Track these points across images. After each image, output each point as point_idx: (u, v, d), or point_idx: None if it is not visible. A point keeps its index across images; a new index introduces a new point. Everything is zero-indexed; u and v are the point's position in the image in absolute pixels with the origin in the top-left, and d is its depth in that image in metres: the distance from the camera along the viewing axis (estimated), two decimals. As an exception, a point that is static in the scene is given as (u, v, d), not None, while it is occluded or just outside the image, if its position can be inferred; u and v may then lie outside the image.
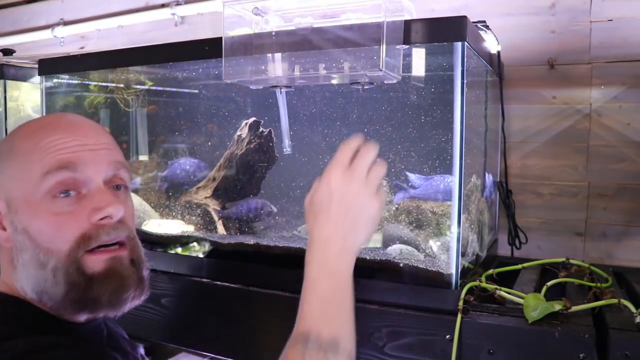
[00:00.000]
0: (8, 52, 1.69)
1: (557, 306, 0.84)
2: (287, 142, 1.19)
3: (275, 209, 1.27)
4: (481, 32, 1.11)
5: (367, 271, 0.98)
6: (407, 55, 0.95)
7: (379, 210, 0.76)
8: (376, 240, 1.13)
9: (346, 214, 0.73)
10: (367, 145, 0.77)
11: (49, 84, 1.41)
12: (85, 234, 0.67)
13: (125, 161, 0.76)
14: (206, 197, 1.29)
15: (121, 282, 0.68)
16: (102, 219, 0.68)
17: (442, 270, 0.92)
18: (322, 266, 0.72)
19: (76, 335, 0.70)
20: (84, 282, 0.66)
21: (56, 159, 0.67)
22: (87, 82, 1.48)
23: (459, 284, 0.90)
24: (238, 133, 1.27)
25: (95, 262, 0.67)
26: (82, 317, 0.71)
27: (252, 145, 1.24)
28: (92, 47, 2.09)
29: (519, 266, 1.13)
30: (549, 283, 0.97)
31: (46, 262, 0.66)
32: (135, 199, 1.31)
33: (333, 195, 0.73)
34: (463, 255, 0.96)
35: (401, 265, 0.97)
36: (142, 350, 0.87)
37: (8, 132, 1.46)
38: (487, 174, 1.25)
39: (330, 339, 0.67)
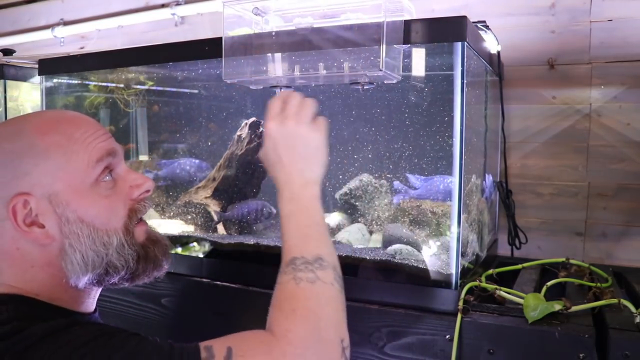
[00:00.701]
0: (8, 52, 1.69)
1: (557, 306, 0.84)
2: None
3: (274, 210, 1.27)
4: (481, 32, 1.11)
5: (367, 271, 0.98)
6: (407, 55, 0.95)
7: (322, 137, 0.83)
8: (376, 240, 1.13)
9: (293, 152, 0.81)
10: (289, 92, 0.85)
11: (49, 84, 1.41)
12: (132, 209, 0.76)
13: None
14: (206, 197, 1.29)
15: (164, 242, 0.81)
16: (141, 194, 0.77)
17: (442, 270, 0.92)
18: (291, 202, 0.80)
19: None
20: (143, 249, 0.77)
21: (102, 147, 0.74)
22: (87, 82, 1.48)
23: (459, 284, 0.90)
24: (238, 133, 1.27)
25: (140, 233, 0.77)
26: (147, 279, 0.78)
27: (252, 145, 1.24)
28: (92, 47, 2.09)
29: (519, 266, 1.13)
30: (549, 283, 0.97)
31: (109, 241, 0.73)
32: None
33: (276, 142, 0.82)
34: (463, 255, 0.96)
35: (401, 265, 0.97)
36: None
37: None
38: (487, 174, 1.25)
39: (314, 257, 0.75)
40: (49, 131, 0.72)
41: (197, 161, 1.42)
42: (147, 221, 0.82)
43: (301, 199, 0.80)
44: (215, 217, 1.27)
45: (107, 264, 0.73)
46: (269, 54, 0.99)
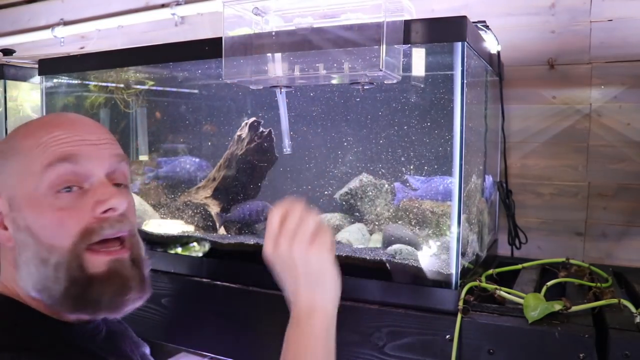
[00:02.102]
0: (8, 52, 1.68)
1: (557, 306, 0.84)
2: (287, 142, 1.19)
3: None
4: (481, 32, 1.11)
5: (367, 271, 0.98)
6: (407, 55, 0.95)
7: (326, 258, 0.74)
8: (376, 240, 1.13)
9: (294, 277, 0.74)
10: (290, 205, 0.75)
11: (49, 84, 1.41)
12: (88, 227, 0.66)
13: (126, 156, 0.76)
14: (206, 197, 1.29)
15: (123, 284, 0.67)
16: (105, 211, 0.67)
17: (442, 270, 0.92)
18: (294, 328, 0.74)
19: (67, 339, 0.69)
20: (85, 280, 0.66)
21: (57, 151, 0.67)
22: (87, 82, 1.48)
23: (459, 284, 0.90)
24: (238, 133, 1.27)
25: (97, 263, 0.66)
26: (82, 317, 0.70)
27: (252, 145, 1.24)
28: (92, 47, 2.09)
29: (519, 266, 1.13)
30: (549, 283, 0.97)
31: (48, 258, 0.66)
32: (135, 199, 1.30)
33: (276, 266, 0.75)
34: (463, 255, 0.96)
35: (401, 265, 0.97)
36: (147, 350, 0.86)
37: (8, 132, 1.47)
38: (487, 174, 1.25)
39: None
40: (26, 134, 0.71)
41: (196, 160, 1.42)
42: (141, 250, 0.72)
43: (306, 328, 0.73)
44: (216, 218, 1.27)
45: (44, 284, 0.66)
46: (269, 54, 0.99)
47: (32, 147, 0.68)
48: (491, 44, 1.18)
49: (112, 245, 0.69)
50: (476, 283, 0.93)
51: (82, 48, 2.13)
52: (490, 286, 0.93)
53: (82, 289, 0.66)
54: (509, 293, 0.91)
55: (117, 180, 0.73)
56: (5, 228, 0.69)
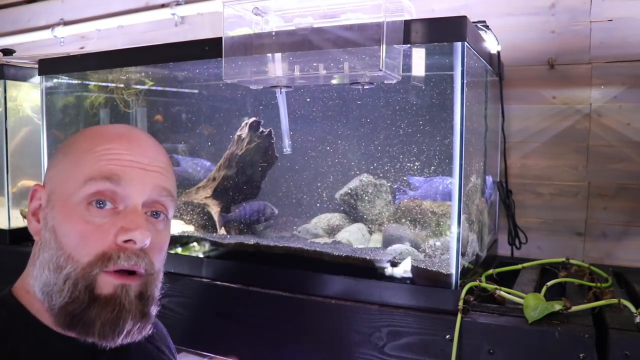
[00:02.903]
0: (8, 52, 1.68)
1: (557, 306, 0.84)
2: (287, 142, 1.19)
3: (277, 211, 1.26)
4: (481, 32, 1.11)
5: (367, 271, 0.98)
6: (407, 55, 0.95)
7: None
8: (376, 241, 1.13)
9: None
10: None
11: (49, 84, 1.41)
12: (107, 253, 0.65)
13: (174, 190, 0.74)
14: (206, 197, 1.29)
15: (119, 313, 0.65)
16: (126, 241, 0.66)
17: (442, 270, 0.92)
18: None
19: (51, 353, 0.67)
20: (87, 301, 0.64)
21: (104, 168, 0.67)
22: (87, 82, 1.48)
23: (459, 284, 0.90)
24: (238, 133, 1.27)
25: (106, 284, 0.65)
26: (71, 334, 0.67)
27: (252, 145, 1.24)
28: (92, 47, 2.09)
29: (519, 266, 1.13)
30: (549, 283, 0.97)
31: (63, 266, 0.65)
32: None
33: None
34: (463, 255, 0.96)
35: (401, 265, 0.97)
36: None
37: (7, 133, 1.48)
38: (487, 174, 1.25)
39: None
40: (86, 138, 0.72)
41: (196, 160, 1.42)
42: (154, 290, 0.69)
43: None
44: (216, 218, 1.27)
45: (49, 290, 0.65)
46: (269, 54, 0.99)
47: (86, 153, 0.69)
48: (491, 44, 1.18)
49: (124, 271, 0.67)
50: (476, 283, 0.93)
51: (82, 48, 2.13)
52: (490, 286, 0.93)
53: (80, 309, 0.64)
54: (509, 293, 0.91)
55: (154, 209, 0.71)
56: (38, 221, 0.70)
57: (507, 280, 1.06)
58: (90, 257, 0.64)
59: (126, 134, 0.72)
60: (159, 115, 1.50)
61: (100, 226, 0.66)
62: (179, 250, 1.21)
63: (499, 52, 1.24)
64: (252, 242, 1.13)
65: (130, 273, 0.67)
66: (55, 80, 1.43)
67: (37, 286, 0.67)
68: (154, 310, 0.70)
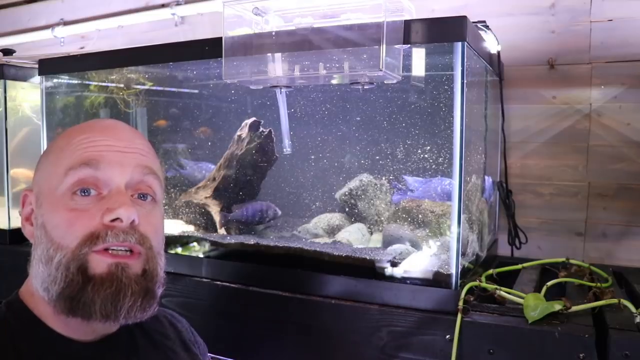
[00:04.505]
0: (8, 52, 1.68)
1: (557, 306, 0.84)
2: (287, 142, 1.19)
3: (280, 212, 1.26)
4: (481, 32, 1.11)
5: (367, 271, 0.98)
6: (408, 56, 0.95)
7: None
8: (376, 241, 1.13)
9: None
10: None
11: (49, 84, 1.41)
12: (94, 232, 0.65)
13: (158, 169, 0.74)
14: (206, 197, 1.29)
15: (118, 289, 0.64)
16: (113, 220, 0.66)
17: (442, 270, 0.92)
18: None
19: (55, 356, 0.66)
20: (81, 281, 0.64)
21: (82, 155, 0.68)
22: (87, 82, 1.48)
23: (459, 284, 0.90)
24: (238, 133, 1.27)
25: (99, 263, 0.65)
26: (76, 325, 0.67)
27: (252, 145, 1.24)
28: (92, 47, 2.09)
29: (519, 266, 1.13)
30: (549, 283, 0.97)
31: (53, 256, 0.65)
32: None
33: None
34: (463, 255, 0.96)
35: (401, 265, 0.97)
36: None
37: (7, 132, 1.47)
38: (487, 174, 1.25)
39: None
40: (64, 134, 0.73)
41: (195, 160, 1.42)
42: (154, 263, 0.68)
43: None
44: (215, 217, 1.27)
45: (47, 284, 0.65)
46: (269, 54, 0.99)
47: (63, 148, 0.70)
48: (491, 44, 1.18)
49: (119, 251, 0.67)
50: (476, 283, 0.93)
51: (82, 48, 2.13)
52: (490, 286, 0.93)
53: (76, 290, 0.64)
54: (509, 293, 0.91)
55: (140, 191, 0.71)
56: (32, 224, 0.71)
57: (507, 280, 1.06)
58: (79, 239, 0.65)
59: (99, 122, 0.75)
60: (161, 120, 1.50)
61: (87, 211, 0.66)
62: (179, 250, 1.21)
63: (499, 52, 1.24)
64: (252, 242, 1.13)
65: (128, 254, 0.67)
66: (55, 80, 1.43)
67: (38, 284, 0.67)
68: (159, 289, 0.70)
